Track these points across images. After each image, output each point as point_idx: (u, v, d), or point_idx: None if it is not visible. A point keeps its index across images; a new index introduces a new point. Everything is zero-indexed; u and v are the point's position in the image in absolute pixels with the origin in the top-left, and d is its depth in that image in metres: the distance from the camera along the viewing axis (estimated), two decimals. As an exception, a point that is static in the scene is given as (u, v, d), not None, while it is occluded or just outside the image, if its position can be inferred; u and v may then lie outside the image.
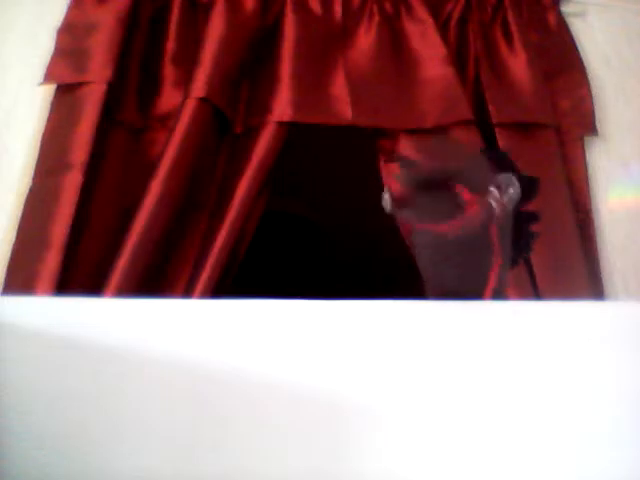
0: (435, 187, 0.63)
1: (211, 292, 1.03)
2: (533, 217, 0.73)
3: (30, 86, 1.14)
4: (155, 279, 1.05)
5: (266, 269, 2.07)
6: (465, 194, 0.63)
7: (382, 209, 0.69)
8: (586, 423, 0.65)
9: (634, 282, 1.19)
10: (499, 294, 0.70)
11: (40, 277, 0.97)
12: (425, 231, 0.68)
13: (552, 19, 1.36)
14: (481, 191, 0.63)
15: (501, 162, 0.71)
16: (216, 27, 1.18)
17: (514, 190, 0.63)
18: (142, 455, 0.63)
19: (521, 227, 0.72)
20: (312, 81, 1.19)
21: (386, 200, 0.65)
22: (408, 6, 1.29)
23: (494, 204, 0.64)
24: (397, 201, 0.64)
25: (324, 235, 2.19)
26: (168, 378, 0.65)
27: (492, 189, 0.63)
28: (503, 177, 0.64)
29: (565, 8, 1.39)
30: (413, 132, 1.19)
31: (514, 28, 1.30)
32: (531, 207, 0.71)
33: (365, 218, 1.77)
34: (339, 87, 1.20)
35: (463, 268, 0.69)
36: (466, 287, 0.69)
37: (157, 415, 0.64)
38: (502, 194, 0.63)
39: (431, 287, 0.71)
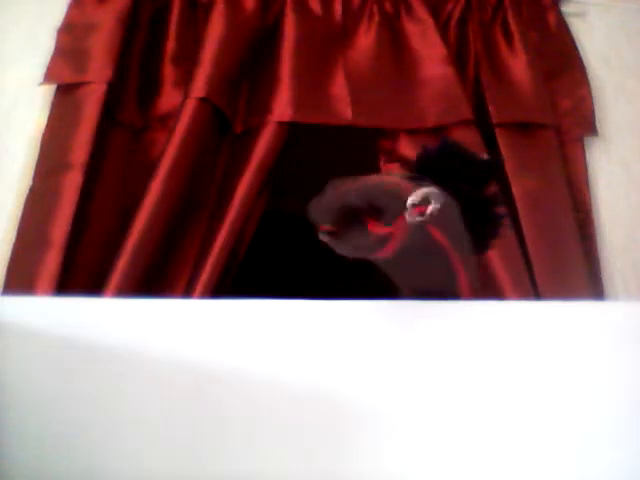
0: (350, 222, 0.60)
1: (211, 292, 1.03)
2: (495, 201, 0.72)
3: (30, 86, 1.13)
4: (155, 279, 1.05)
5: (266, 269, 2.07)
6: (372, 226, 0.60)
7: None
8: (586, 423, 0.65)
9: (634, 282, 1.19)
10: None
11: (40, 277, 0.97)
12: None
13: (552, 19, 1.36)
14: (393, 217, 0.61)
15: (453, 150, 0.71)
16: (216, 27, 1.17)
17: (436, 204, 0.61)
18: (142, 455, 0.63)
19: (485, 212, 0.71)
20: (312, 81, 1.19)
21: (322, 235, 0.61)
22: (408, 6, 1.29)
23: (413, 221, 0.61)
24: (331, 235, 0.60)
25: (324, 235, 2.18)
26: (168, 378, 0.65)
27: (408, 209, 0.60)
28: (421, 194, 0.61)
29: (565, 8, 1.39)
30: (413, 132, 1.19)
31: (514, 28, 1.30)
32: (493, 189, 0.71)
33: (365, 218, 1.76)
34: (339, 87, 1.20)
35: (423, 270, 0.68)
36: (436, 286, 0.69)
37: (157, 415, 0.64)
38: (425, 209, 0.61)
39: (403, 290, 0.71)
